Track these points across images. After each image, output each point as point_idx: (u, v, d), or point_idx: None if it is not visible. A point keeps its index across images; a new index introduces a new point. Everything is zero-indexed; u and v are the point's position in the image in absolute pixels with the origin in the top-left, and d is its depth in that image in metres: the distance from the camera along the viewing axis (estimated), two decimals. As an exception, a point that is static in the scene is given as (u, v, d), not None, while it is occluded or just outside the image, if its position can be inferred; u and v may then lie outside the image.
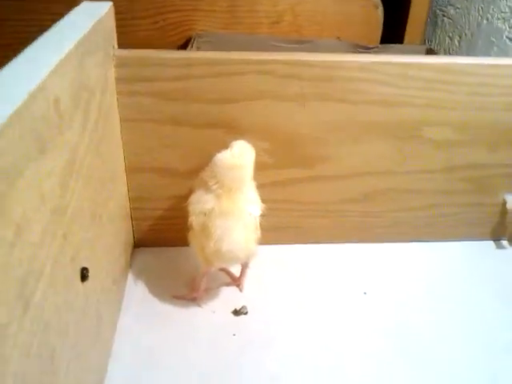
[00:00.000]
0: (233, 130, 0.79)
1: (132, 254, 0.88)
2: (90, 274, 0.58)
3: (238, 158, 0.72)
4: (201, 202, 0.73)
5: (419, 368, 0.72)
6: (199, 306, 0.79)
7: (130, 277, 0.84)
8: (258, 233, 0.76)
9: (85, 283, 0.57)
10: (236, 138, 0.77)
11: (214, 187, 0.72)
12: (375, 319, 0.79)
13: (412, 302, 0.82)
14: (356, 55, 0.77)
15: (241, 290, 0.83)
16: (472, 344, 0.76)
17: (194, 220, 0.73)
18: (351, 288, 0.84)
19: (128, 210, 0.84)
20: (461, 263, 0.91)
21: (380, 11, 1.24)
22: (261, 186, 0.77)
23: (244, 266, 0.82)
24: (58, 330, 0.48)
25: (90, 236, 0.59)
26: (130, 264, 0.86)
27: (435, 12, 1.32)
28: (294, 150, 0.82)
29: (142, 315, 0.77)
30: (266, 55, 0.75)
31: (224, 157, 0.72)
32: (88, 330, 0.59)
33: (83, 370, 0.57)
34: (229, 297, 0.81)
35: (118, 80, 0.74)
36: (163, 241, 0.89)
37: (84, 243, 0.57)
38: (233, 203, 0.72)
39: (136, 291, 0.81)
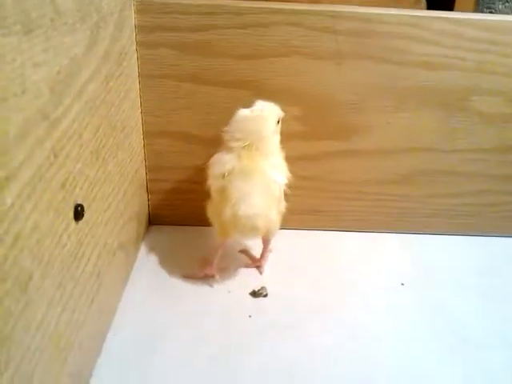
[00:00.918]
0: (260, 91, 0.71)
1: (147, 231, 0.80)
2: (89, 219, 0.52)
3: (260, 111, 0.65)
4: (220, 163, 0.65)
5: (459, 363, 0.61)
6: (211, 286, 0.70)
7: (142, 251, 0.76)
8: (283, 205, 0.67)
9: (80, 226, 0.49)
10: (263, 100, 0.70)
11: (234, 144, 0.64)
12: (413, 310, 0.69)
13: (453, 299, 0.71)
14: (400, 9, 0.69)
15: (261, 273, 0.73)
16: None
17: (212, 184, 0.66)
18: (387, 278, 0.74)
19: (144, 178, 0.76)
20: (510, 262, 0.79)
21: (423, 5, 1.17)
22: (288, 160, 0.69)
23: (265, 245, 0.73)
24: (35, 255, 0.40)
25: (88, 173, 0.52)
26: (143, 238, 0.78)
27: (482, 11, 1.25)
28: (327, 117, 0.74)
29: (150, 291, 0.69)
30: (298, 5, 0.68)
31: (244, 110, 0.65)
32: (81, 284, 0.51)
33: (70, 325, 0.49)
34: (247, 277, 0.72)
35: (139, 28, 0.68)
36: (180, 218, 0.81)
37: (81, 177, 0.50)
38: (255, 164, 0.64)
39: (147, 266, 0.73)
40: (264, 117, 0.65)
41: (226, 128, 0.66)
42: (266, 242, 0.72)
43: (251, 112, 0.65)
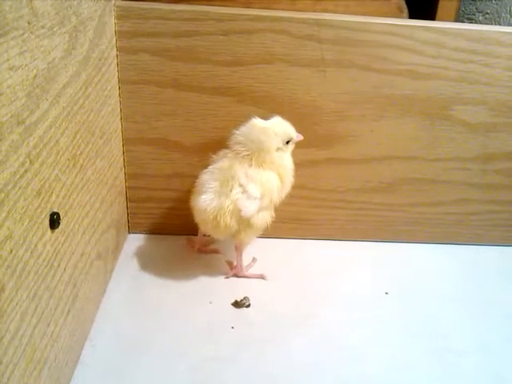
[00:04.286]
0: (243, 98, 0.71)
1: (126, 239, 0.79)
2: (65, 228, 0.51)
3: (271, 125, 0.66)
4: (214, 163, 0.68)
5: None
6: (192, 296, 0.69)
7: (121, 260, 0.74)
8: (252, 220, 0.66)
9: (56, 235, 0.48)
10: (245, 108, 0.71)
11: (234, 145, 0.66)
12: (397, 319, 0.68)
13: (436, 307, 0.71)
14: (384, 18, 0.69)
15: (227, 277, 0.73)
16: (495, 349, 0.65)
17: None
18: (371, 288, 0.73)
19: (123, 185, 0.75)
20: (494, 271, 0.79)
21: (405, 15, 1.18)
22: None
23: (236, 252, 0.72)
24: (8, 265, 0.39)
25: (65, 180, 0.50)
26: (122, 247, 0.76)
27: (462, 22, 1.26)
28: (310, 125, 0.73)
29: (129, 301, 0.67)
30: (281, 12, 0.68)
31: (256, 120, 0.66)
32: (57, 294, 0.50)
33: (46, 338, 0.47)
34: (229, 287, 0.71)
35: (119, 33, 0.67)
36: (160, 227, 0.79)
37: (57, 185, 0.48)
38: (231, 167, 0.65)
39: (126, 275, 0.72)
40: (270, 131, 0.65)
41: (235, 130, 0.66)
42: (236, 249, 0.71)
43: (261, 123, 0.65)
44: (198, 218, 0.67)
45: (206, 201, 0.64)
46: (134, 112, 0.71)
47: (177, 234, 0.79)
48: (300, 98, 0.71)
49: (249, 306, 0.68)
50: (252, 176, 0.65)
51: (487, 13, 1.19)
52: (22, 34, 0.40)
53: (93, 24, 0.58)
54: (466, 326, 0.68)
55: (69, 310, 0.53)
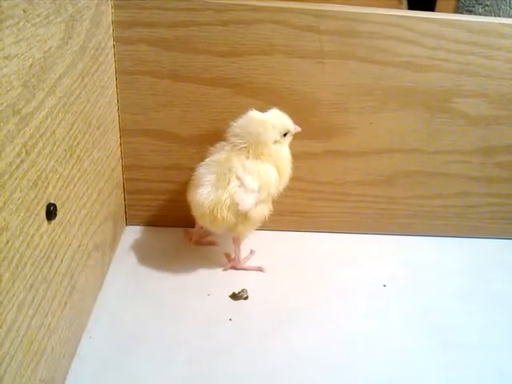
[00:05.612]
0: (241, 89, 0.70)
1: (123, 231, 0.78)
2: (62, 219, 0.51)
3: (268, 117, 0.65)
4: (212, 150, 0.68)
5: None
6: (190, 288, 0.69)
7: (119, 252, 0.74)
8: (249, 213, 0.66)
9: (53, 226, 0.48)
10: (243, 99, 0.71)
11: (231, 137, 0.65)
12: (395, 312, 0.68)
13: (435, 300, 0.71)
14: (385, 9, 0.68)
15: (224, 269, 0.72)
16: (497, 341, 0.65)
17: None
18: (369, 280, 0.73)
19: (120, 177, 0.74)
20: (493, 264, 0.79)
21: (404, 7, 1.17)
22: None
23: (234, 245, 0.71)
24: (4, 256, 0.39)
25: (62, 171, 0.50)
26: (119, 239, 0.76)
27: (462, 13, 1.25)
28: (309, 116, 0.73)
29: (126, 293, 0.67)
30: (281, 3, 0.67)
31: (254, 112, 0.66)
32: (54, 286, 0.49)
33: (43, 329, 0.47)
34: (227, 280, 0.71)
35: (116, 23, 0.66)
36: (158, 219, 0.79)
37: (54, 176, 0.48)
38: (228, 159, 0.64)
39: (123, 267, 0.71)
40: (267, 123, 0.64)
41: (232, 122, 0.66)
42: (234, 241, 0.71)
43: (258, 115, 0.65)
44: (195, 212, 0.66)
45: (203, 194, 0.63)
46: (131, 103, 0.71)
47: (174, 226, 0.79)
48: (299, 89, 0.71)
49: (246, 298, 0.68)
50: (249, 168, 0.64)
51: (487, 5, 1.18)
52: (18, 23, 0.39)
53: (89, 13, 0.57)
54: (463, 319, 0.68)
55: (66, 302, 0.53)
